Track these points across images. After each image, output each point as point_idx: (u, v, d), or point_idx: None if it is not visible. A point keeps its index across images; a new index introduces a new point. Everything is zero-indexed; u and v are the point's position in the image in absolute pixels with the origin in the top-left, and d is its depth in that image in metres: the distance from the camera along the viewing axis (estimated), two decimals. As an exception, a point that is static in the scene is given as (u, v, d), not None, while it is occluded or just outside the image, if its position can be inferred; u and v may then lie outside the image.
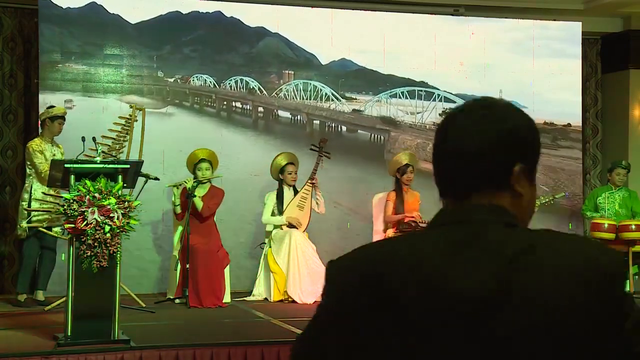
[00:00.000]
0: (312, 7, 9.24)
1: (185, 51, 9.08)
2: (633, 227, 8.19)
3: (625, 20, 10.24)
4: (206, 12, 9.05)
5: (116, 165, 5.63)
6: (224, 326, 6.51)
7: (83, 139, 6.86)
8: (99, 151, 5.88)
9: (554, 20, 9.91)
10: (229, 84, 9.12)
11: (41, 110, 8.18)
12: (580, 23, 9.90)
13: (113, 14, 8.69)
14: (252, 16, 9.14)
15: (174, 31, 9.03)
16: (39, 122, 7.75)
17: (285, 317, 6.76)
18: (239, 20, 9.12)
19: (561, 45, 9.90)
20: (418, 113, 9.58)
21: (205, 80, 9.06)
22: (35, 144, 7.45)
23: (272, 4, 9.12)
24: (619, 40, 10.27)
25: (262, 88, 9.19)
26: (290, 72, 9.33)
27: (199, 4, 9.03)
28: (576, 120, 9.94)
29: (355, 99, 9.49)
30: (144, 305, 7.26)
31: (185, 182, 7.68)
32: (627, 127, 10.19)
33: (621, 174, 8.79)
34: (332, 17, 9.26)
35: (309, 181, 8.25)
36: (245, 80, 9.15)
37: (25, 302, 7.45)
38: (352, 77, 9.48)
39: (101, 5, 8.63)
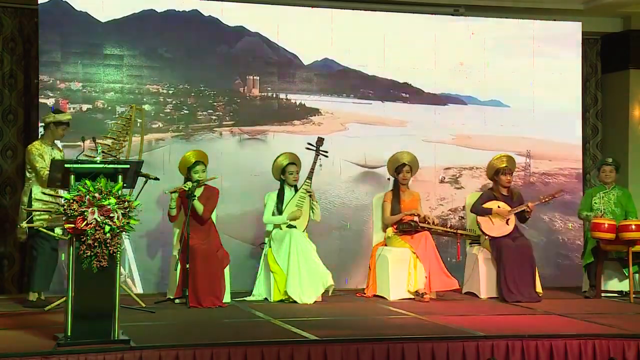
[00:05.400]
0: (312, 7, 9.20)
1: (159, 51, 8.79)
2: (633, 227, 8.15)
3: (625, 20, 10.25)
4: (182, 11, 8.81)
5: (116, 165, 5.62)
6: (224, 326, 6.51)
7: (83, 139, 6.85)
8: (99, 151, 5.87)
9: (554, 20, 9.91)
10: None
11: (41, 111, 8.19)
12: (580, 23, 9.91)
13: (80, 11, 8.47)
14: (231, 15, 8.92)
15: (148, 30, 8.73)
16: (40, 124, 7.73)
17: (285, 317, 6.75)
18: (217, 19, 8.88)
19: (561, 45, 9.88)
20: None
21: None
22: (36, 147, 7.41)
23: (253, 3, 8.93)
24: (619, 40, 10.28)
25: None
26: (255, 77, 9.07)
27: (174, 2, 8.77)
28: (576, 120, 9.93)
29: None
30: (144, 305, 7.26)
31: (184, 186, 7.67)
32: (627, 127, 10.19)
33: (607, 171, 8.71)
34: (332, 17, 9.24)
35: (307, 180, 8.23)
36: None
37: (36, 302, 7.43)
38: (335, 78, 9.27)
39: (66, 2, 8.39)
